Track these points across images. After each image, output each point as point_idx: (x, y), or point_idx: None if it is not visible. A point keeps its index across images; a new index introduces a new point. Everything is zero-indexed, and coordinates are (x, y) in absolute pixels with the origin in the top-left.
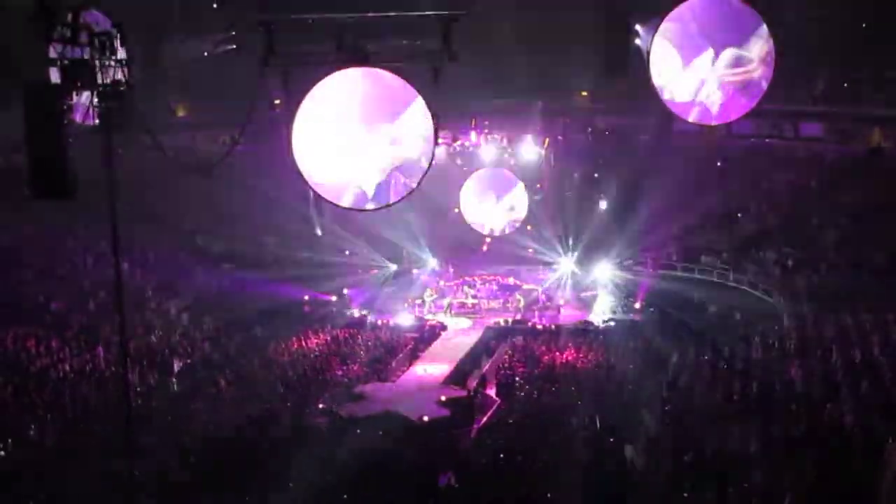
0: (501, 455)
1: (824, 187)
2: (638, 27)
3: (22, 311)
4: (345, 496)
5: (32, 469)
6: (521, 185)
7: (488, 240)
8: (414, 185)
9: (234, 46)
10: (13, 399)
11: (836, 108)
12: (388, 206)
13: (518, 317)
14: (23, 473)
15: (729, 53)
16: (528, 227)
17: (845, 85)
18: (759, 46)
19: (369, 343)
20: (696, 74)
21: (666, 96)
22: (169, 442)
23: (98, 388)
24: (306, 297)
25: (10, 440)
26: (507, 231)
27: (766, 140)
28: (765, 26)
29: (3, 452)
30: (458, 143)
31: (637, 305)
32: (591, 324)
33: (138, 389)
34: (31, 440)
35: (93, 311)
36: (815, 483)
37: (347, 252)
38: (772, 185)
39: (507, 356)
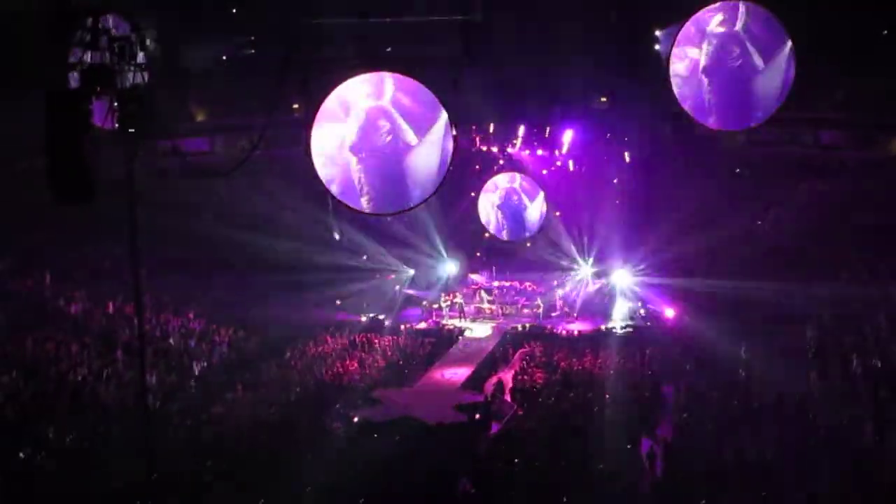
0: (517, 461)
1: (844, 195)
2: (657, 33)
3: (41, 315)
4: (361, 501)
5: (51, 472)
6: (539, 191)
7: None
8: (432, 191)
9: (254, 51)
10: (32, 402)
11: (857, 115)
12: (406, 210)
13: (536, 322)
14: (41, 476)
15: (749, 61)
16: (547, 234)
17: (865, 93)
18: (781, 54)
19: (386, 347)
20: (716, 81)
21: (685, 102)
22: (186, 445)
23: (117, 391)
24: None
25: (29, 443)
26: (525, 237)
27: (786, 147)
28: (788, 36)
29: (21, 455)
30: (476, 149)
31: (655, 312)
32: (609, 330)
33: (156, 393)
34: (50, 443)
35: (111, 316)
36: (832, 492)
37: (365, 257)
38: (791, 193)
39: (524, 361)
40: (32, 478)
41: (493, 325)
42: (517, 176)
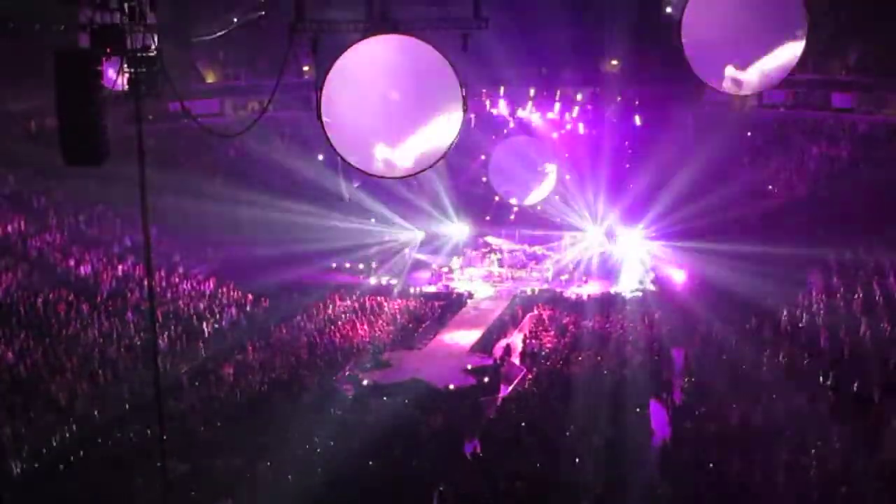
0: (524, 424)
1: (856, 158)
2: None
3: (52, 276)
4: (370, 462)
5: (61, 433)
6: (551, 155)
7: (516, 209)
8: (442, 154)
9: (264, 13)
10: (43, 363)
11: (869, 78)
12: (416, 174)
13: (545, 286)
14: (52, 438)
15: (762, 24)
16: (556, 197)
17: (880, 54)
18: (793, 15)
19: (396, 310)
20: (729, 43)
21: (697, 65)
22: (197, 406)
23: (127, 352)
24: (333, 265)
25: (39, 404)
26: (535, 201)
27: (798, 110)
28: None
29: (32, 415)
30: (487, 111)
31: (663, 276)
32: (619, 294)
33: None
34: (61, 404)
35: (121, 277)
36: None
37: (373, 219)
38: (803, 156)
39: (533, 325)
40: (42, 440)
41: (503, 288)
42: (527, 139)
